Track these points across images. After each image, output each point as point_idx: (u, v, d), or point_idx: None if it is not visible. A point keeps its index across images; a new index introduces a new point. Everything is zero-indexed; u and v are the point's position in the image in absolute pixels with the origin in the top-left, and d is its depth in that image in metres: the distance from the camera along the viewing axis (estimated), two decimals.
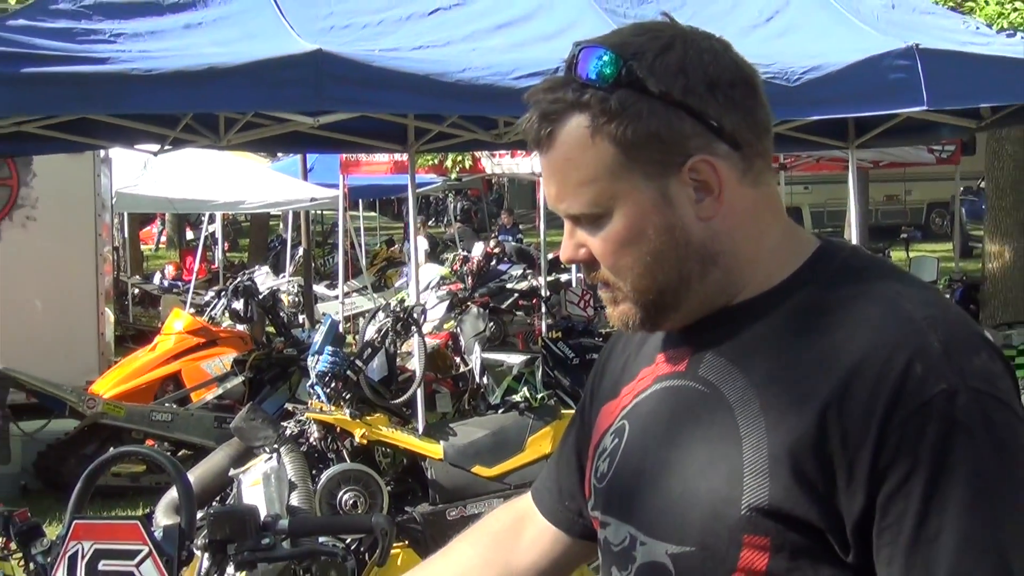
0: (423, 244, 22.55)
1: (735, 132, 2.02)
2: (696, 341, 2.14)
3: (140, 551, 3.20)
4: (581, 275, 17.80)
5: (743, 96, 2.04)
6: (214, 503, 4.51)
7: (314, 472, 8.15)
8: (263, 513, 3.34)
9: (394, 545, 7.39)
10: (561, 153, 2.05)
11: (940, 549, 1.86)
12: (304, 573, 7.78)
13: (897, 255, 17.52)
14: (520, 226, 27.56)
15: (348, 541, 7.53)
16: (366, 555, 7.52)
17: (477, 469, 8.26)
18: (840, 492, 1.90)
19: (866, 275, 2.07)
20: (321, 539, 3.56)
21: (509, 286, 16.26)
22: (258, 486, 7.95)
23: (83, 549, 3.25)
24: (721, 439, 2.01)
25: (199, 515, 3.32)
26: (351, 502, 8.02)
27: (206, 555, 3.28)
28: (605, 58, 1.98)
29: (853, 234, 13.25)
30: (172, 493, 6.25)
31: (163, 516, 6.94)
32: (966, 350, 1.93)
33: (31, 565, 3.42)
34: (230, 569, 3.36)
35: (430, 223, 35.73)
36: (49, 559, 3.30)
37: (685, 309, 2.12)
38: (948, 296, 13.38)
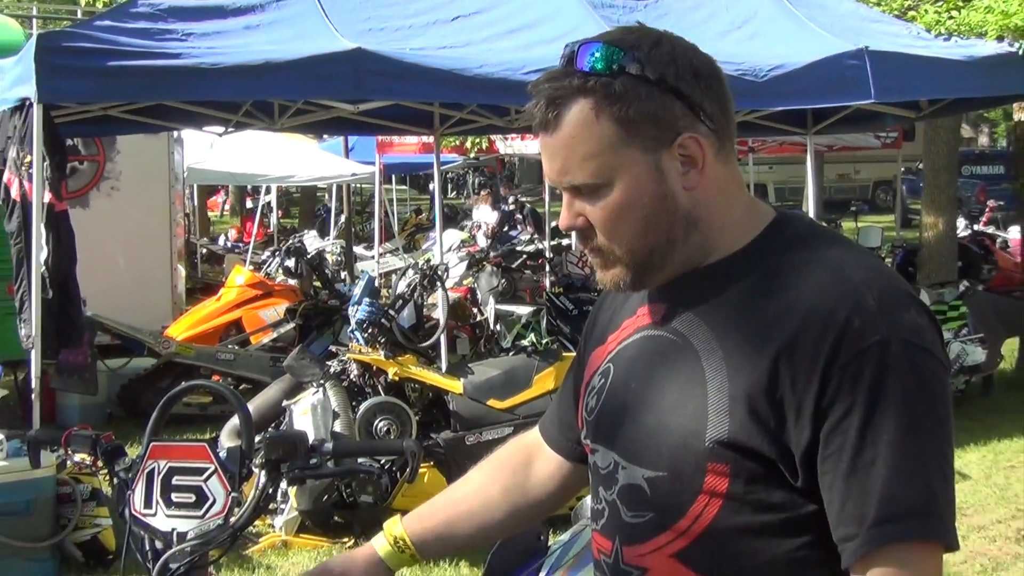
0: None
1: (714, 115, 2.08)
2: (672, 298, 2.18)
3: (207, 469, 3.20)
4: None
5: (717, 86, 2.09)
6: (269, 429, 4.56)
7: (354, 404, 8.18)
8: (311, 438, 3.34)
9: (421, 466, 7.42)
10: (567, 132, 2.06)
11: (874, 474, 1.91)
12: (345, 488, 7.82)
13: (847, 225, 17.52)
14: (524, 198, 27.48)
15: (382, 462, 7.56)
16: (397, 474, 7.55)
17: (491, 402, 8.29)
18: (789, 428, 1.96)
19: (814, 242, 2.11)
20: (359, 460, 3.57)
21: (519, 248, 16.27)
22: (306, 415, 7.98)
23: (159, 467, 3.26)
24: (689, 382, 2.07)
25: (257, 439, 3.32)
26: (385, 429, 8.05)
27: (263, 473, 3.28)
28: (606, 50, 2.02)
29: (811, 207, 13.31)
30: (234, 420, 6.27)
31: (226, 440, 6.98)
32: (898, 307, 1.99)
33: (115, 480, 3.42)
34: (283, 484, 3.37)
35: (451, 195, 35.73)
36: (130, 475, 3.30)
37: (668, 269, 2.15)
38: (890, 260, 13.40)
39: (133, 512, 3.27)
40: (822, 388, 1.94)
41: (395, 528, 2.68)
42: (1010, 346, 13.36)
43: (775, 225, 2.15)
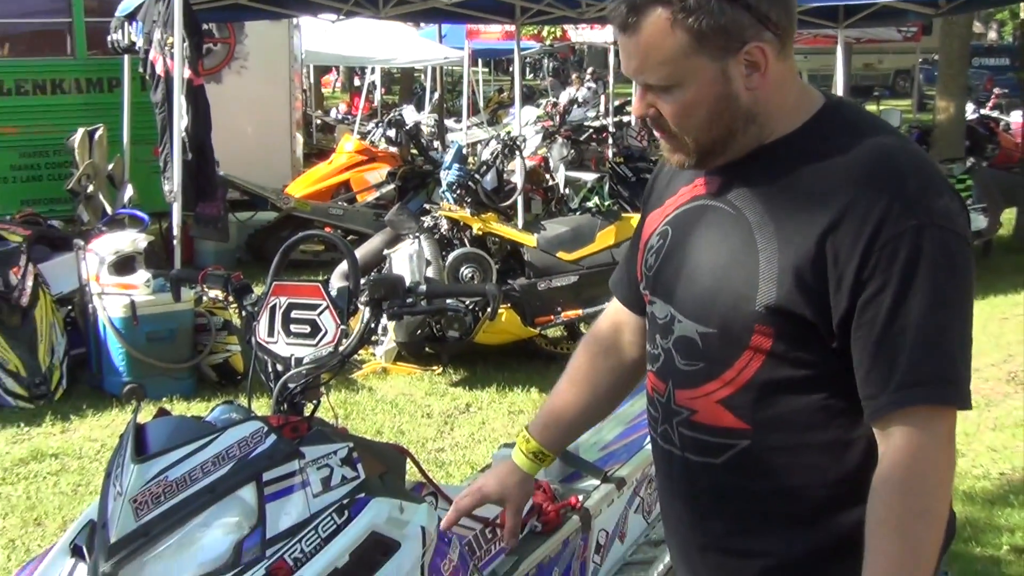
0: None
1: (779, 22, 2.02)
2: (728, 173, 2.15)
3: (320, 305, 3.23)
4: None
5: None
6: (373, 273, 4.58)
7: (443, 253, 8.21)
8: (407, 281, 3.36)
9: (500, 307, 7.47)
10: (644, 37, 2.01)
11: (901, 343, 1.92)
12: (435, 324, 7.88)
13: (870, 107, 17.26)
14: (590, 83, 27.27)
15: (467, 303, 7.60)
16: (479, 313, 7.59)
17: (560, 254, 8.30)
18: (831, 296, 1.96)
19: (862, 127, 2.07)
20: (448, 300, 3.58)
21: (586, 123, 16.17)
22: (404, 262, 8.03)
23: (280, 303, 3.29)
24: (742, 250, 2.06)
25: (362, 281, 3.34)
26: (470, 275, 8.08)
27: (367, 309, 3.30)
28: None
29: (839, 92, 13.05)
30: (343, 265, 6.31)
31: (336, 281, 7.01)
32: (935, 193, 1.96)
33: (243, 313, 3.45)
34: (384, 319, 3.39)
35: (529, 77, 35.48)
36: (256, 309, 3.34)
37: (729, 154, 2.13)
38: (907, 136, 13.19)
39: (258, 340, 3.31)
40: (862, 263, 1.93)
41: (528, 444, 2.64)
42: (1008, 215, 13.26)
43: (825, 110, 2.10)
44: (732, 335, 2.09)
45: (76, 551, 2.91)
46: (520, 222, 9.03)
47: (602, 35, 19.98)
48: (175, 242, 9.52)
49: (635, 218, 8.56)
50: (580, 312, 8.28)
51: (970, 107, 17.37)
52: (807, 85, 2.17)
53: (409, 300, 3.35)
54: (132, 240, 7.78)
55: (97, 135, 9.77)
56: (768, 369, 2.07)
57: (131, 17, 10.20)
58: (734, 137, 2.09)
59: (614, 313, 2.61)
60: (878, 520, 1.97)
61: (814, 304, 1.98)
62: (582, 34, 22.33)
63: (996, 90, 24.30)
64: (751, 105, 2.06)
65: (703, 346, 2.15)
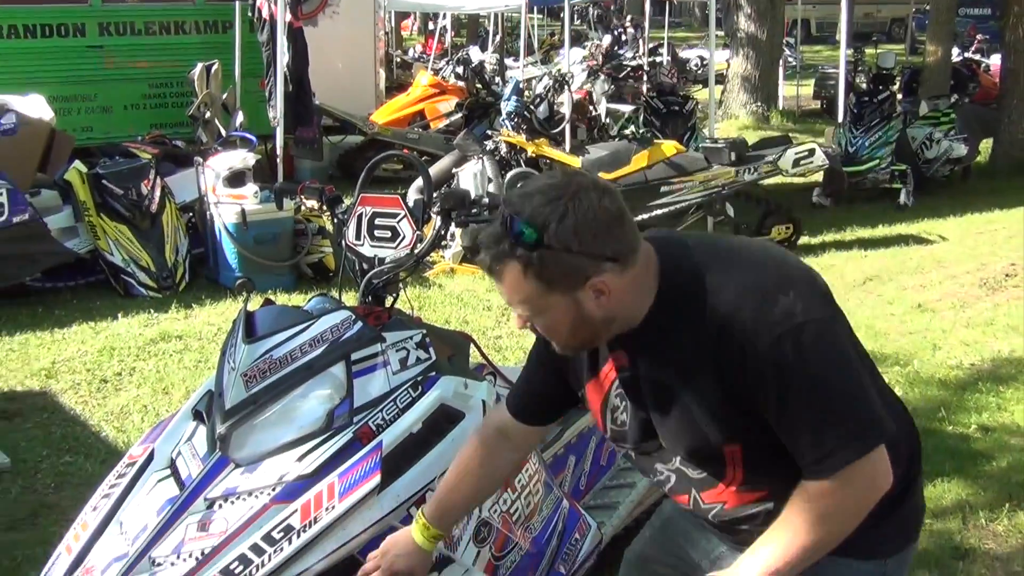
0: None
1: (615, 254, 1.99)
2: (628, 350, 2.17)
3: (399, 214, 3.24)
4: (669, 56, 17.30)
5: (617, 228, 1.99)
6: (443, 188, 4.55)
7: (503, 172, 8.17)
8: (473, 194, 3.35)
9: None
10: (507, 283, 2.03)
11: (802, 430, 2.00)
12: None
13: (870, 51, 16.93)
14: (630, 28, 26.83)
15: None
16: None
17: (601, 174, 8.21)
18: (749, 409, 2.03)
19: (696, 280, 2.05)
20: None
21: (624, 63, 15.98)
22: (469, 178, 8.01)
23: (365, 212, 3.30)
24: (680, 410, 2.11)
25: (434, 194, 3.34)
26: None
27: (438, 218, 3.30)
28: (526, 230, 1.94)
29: (843, 38, 12.79)
30: (418, 181, 6.29)
31: (413, 194, 7.02)
32: (767, 306, 1.98)
33: (335, 220, 3.47)
34: (452, 227, 3.39)
35: (576, 23, 35.04)
36: (345, 216, 3.35)
37: (602, 342, 2.17)
38: (900, 78, 12.94)
39: (347, 243, 3.32)
40: (747, 389, 2.00)
41: (428, 531, 2.51)
42: (985, 145, 13.00)
43: (664, 279, 2.08)
44: (712, 457, 2.15)
45: (197, 415, 2.96)
46: (567, 146, 8.96)
47: None
48: (278, 160, 9.55)
49: (665, 144, 8.57)
50: None
51: (955, 51, 17.07)
52: (647, 263, 2.08)
53: (474, 210, 3.35)
54: (242, 158, 7.81)
55: (213, 69, 9.76)
56: (753, 454, 2.12)
57: None
58: (598, 337, 2.13)
59: (501, 422, 2.53)
60: (781, 526, 2.06)
61: (748, 417, 2.04)
62: None
63: (979, 36, 24.10)
64: (606, 315, 2.05)
65: (697, 462, 2.20)
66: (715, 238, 2.30)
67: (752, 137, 10.71)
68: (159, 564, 2.54)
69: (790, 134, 11.52)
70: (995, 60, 18.03)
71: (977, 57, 19.92)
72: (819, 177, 9.97)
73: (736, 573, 2.08)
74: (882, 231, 9.66)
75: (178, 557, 2.55)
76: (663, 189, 8.29)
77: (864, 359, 2.13)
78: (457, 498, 2.53)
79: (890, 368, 6.04)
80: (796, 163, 8.70)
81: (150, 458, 2.89)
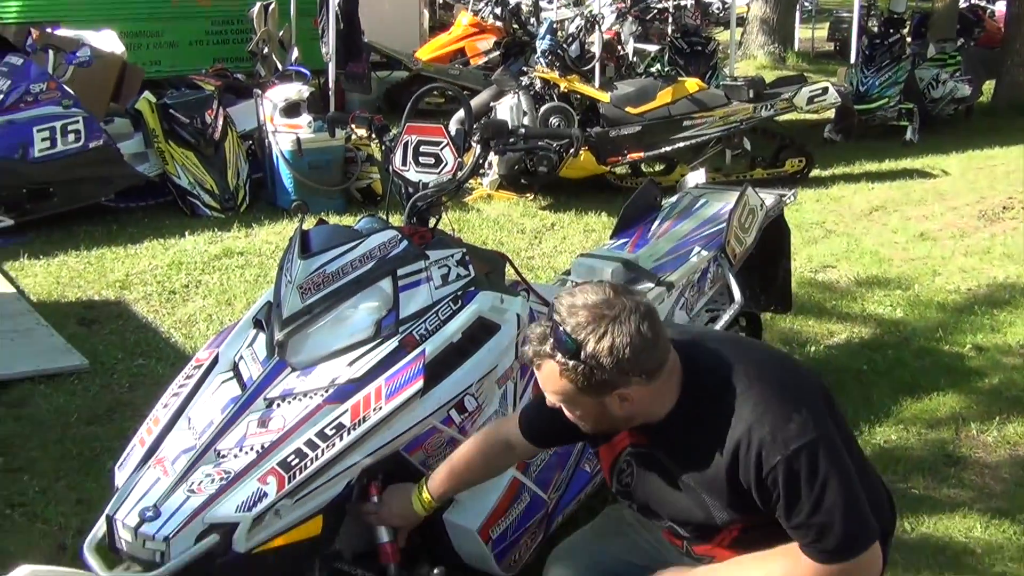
0: None
1: (642, 371, 2.06)
2: (647, 432, 2.23)
3: (442, 142, 3.21)
4: (693, 0, 17.05)
5: (648, 352, 2.05)
6: (482, 119, 4.49)
7: (537, 106, 8.09)
8: (510, 125, 3.33)
9: (580, 148, 7.41)
10: (543, 375, 2.13)
11: (803, 530, 2.08)
12: (528, 161, 7.81)
13: None
14: None
15: (555, 144, 7.50)
16: (564, 153, 7.49)
17: (628, 109, 8.12)
18: (756, 506, 2.13)
19: (716, 393, 2.11)
20: (540, 141, 3.55)
21: (651, 5, 15.68)
22: (506, 111, 7.94)
23: (411, 140, 3.28)
24: (689, 496, 2.21)
25: (474, 125, 3.31)
26: (557, 124, 7.97)
27: (478, 146, 3.28)
28: (567, 341, 2.02)
29: None
30: (460, 112, 6.23)
31: (454, 125, 6.97)
32: (782, 424, 2.04)
33: (383, 147, 3.45)
34: (490, 155, 3.37)
35: None
36: (392, 144, 3.33)
37: (623, 431, 2.27)
38: (910, 22, 12.69)
39: (394, 168, 3.31)
40: (760, 489, 2.07)
41: (429, 502, 2.66)
42: (988, 86, 12.74)
43: (686, 385, 2.15)
44: (711, 532, 2.25)
45: (257, 324, 2.98)
46: (597, 83, 8.84)
47: None
48: (330, 93, 9.50)
49: (688, 81, 8.44)
50: (642, 155, 8.16)
51: None
52: (671, 371, 2.15)
53: (511, 140, 3.32)
54: (297, 90, 7.76)
55: (271, 8, 9.67)
56: (750, 531, 2.21)
57: None
58: (618, 429, 2.23)
59: (509, 435, 2.59)
60: (765, 559, 2.17)
61: (753, 510, 2.13)
62: None
63: None
64: (627, 415, 2.13)
65: (691, 531, 2.30)
66: (738, 346, 2.32)
67: (769, 76, 10.53)
68: (223, 456, 2.58)
69: (805, 74, 11.35)
70: (1000, 7, 17.65)
71: (983, 3, 19.42)
72: (831, 114, 9.84)
73: (694, 573, 2.26)
74: (889, 165, 9.54)
75: (240, 450, 2.58)
76: (685, 123, 8.20)
77: (852, 444, 2.22)
78: (457, 484, 2.67)
79: (892, 292, 6.00)
80: (810, 100, 8.61)
81: (215, 362, 2.92)
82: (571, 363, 2.03)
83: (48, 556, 3.26)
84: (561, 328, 2.03)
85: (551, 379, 2.10)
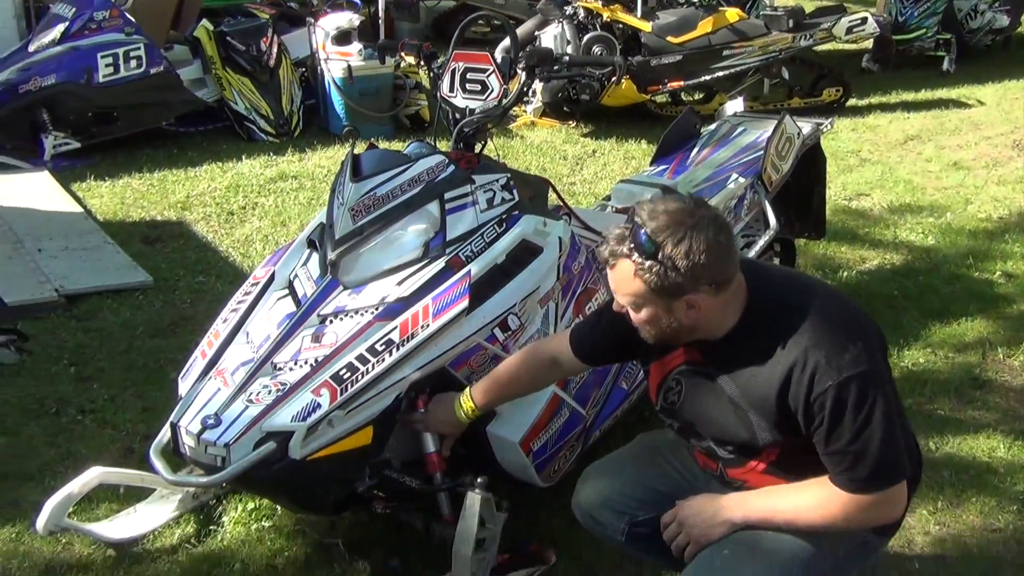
0: None
1: (712, 281, 2.05)
2: (703, 350, 2.22)
3: (488, 69, 3.17)
4: None
5: (721, 261, 2.05)
6: (527, 47, 4.41)
7: (580, 35, 7.96)
8: (554, 53, 3.28)
9: (623, 77, 7.29)
10: (617, 275, 2.12)
11: (838, 457, 2.07)
12: (572, 89, 7.69)
13: None
14: None
15: (598, 73, 7.38)
16: (606, 81, 7.38)
17: (669, 38, 7.96)
18: (798, 429, 2.10)
19: (778, 319, 2.10)
20: (583, 69, 3.49)
21: None
22: (550, 40, 7.82)
23: (458, 67, 3.24)
24: (735, 414, 2.17)
25: (519, 53, 3.27)
26: (599, 52, 7.84)
27: (523, 73, 3.24)
28: (649, 242, 2.02)
29: None
30: (506, 41, 6.15)
31: (500, 53, 6.89)
32: (839, 352, 2.03)
33: (431, 74, 3.42)
34: (535, 83, 3.32)
35: None
36: (440, 71, 3.29)
37: (682, 343, 2.23)
38: None
39: (442, 95, 3.28)
40: (806, 412, 2.05)
41: (473, 410, 2.66)
42: None
43: (749, 306, 2.13)
44: (750, 451, 2.22)
45: (311, 244, 2.99)
46: (639, 12, 8.65)
47: None
48: (380, 21, 9.39)
49: (728, 11, 8.24)
50: (682, 83, 8.02)
51: None
52: (738, 290, 2.13)
53: (555, 67, 3.27)
54: (349, 19, 7.69)
55: None
56: (787, 456, 2.19)
57: None
58: (679, 339, 2.18)
59: (557, 351, 2.58)
60: (795, 489, 2.18)
61: (794, 433, 2.10)
62: None
63: None
64: (691, 323, 2.12)
65: (734, 450, 2.25)
66: (803, 278, 2.34)
67: (809, 6, 10.28)
68: (279, 368, 2.61)
69: (844, 4, 11.04)
70: None
71: None
72: (869, 44, 9.59)
73: (723, 501, 2.23)
74: (925, 95, 9.31)
75: (295, 363, 2.61)
76: (725, 53, 8.04)
77: (897, 400, 2.18)
78: (500, 395, 2.68)
79: (924, 219, 5.90)
80: (849, 30, 8.40)
81: (271, 279, 2.94)
82: (647, 263, 2.02)
83: (117, 459, 3.34)
84: (642, 229, 2.02)
85: (625, 279, 2.09)
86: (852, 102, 8.83)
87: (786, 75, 8.44)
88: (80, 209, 5.77)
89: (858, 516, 2.10)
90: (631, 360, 2.55)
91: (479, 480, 2.63)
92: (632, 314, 2.16)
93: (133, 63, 6.94)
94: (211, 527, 3.05)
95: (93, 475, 2.97)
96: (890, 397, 2.06)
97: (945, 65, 10.25)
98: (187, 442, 2.54)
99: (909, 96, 9.25)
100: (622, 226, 2.09)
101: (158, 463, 2.61)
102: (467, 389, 2.67)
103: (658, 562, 2.40)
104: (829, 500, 2.10)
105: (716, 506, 2.24)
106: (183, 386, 2.73)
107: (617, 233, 2.09)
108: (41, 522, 2.86)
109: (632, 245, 2.04)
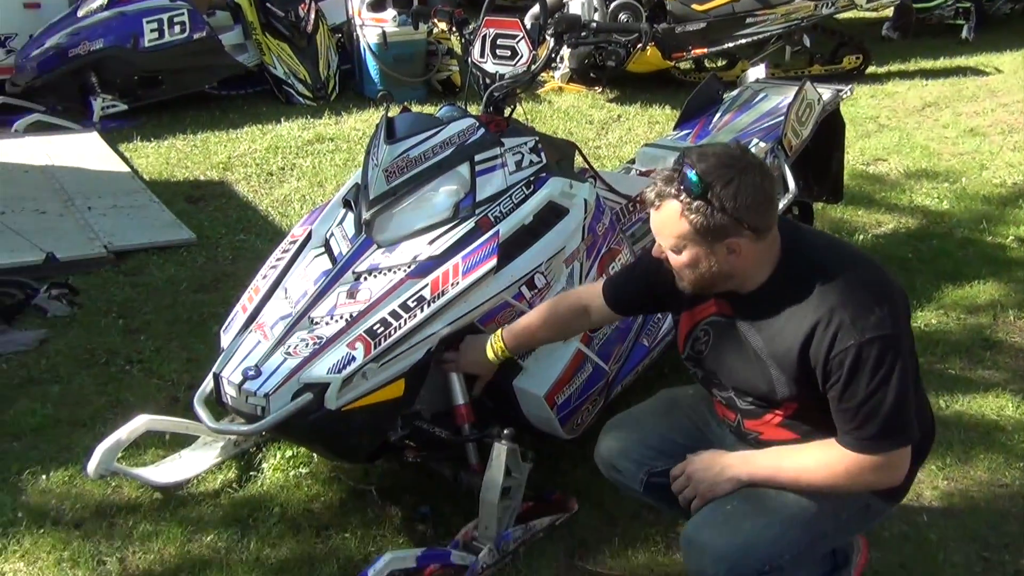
0: None
1: (756, 225, 2.03)
2: (730, 306, 2.20)
3: (518, 35, 3.14)
4: None
5: (764, 207, 2.03)
6: (556, 14, 4.34)
7: (607, 2, 7.86)
8: (582, 20, 3.24)
9: (649, 43, 7.17)
10: (662, 216, 2.08)
11: (849, 413, 2.05)
12: (597, 54, 7.61)
13: None
14: None
15: (624, 40, 7.29)
16: (631, 48, 7.28)
17: (694, 6, 7.84)
18: (816, 386, 2.08)
19: (809, 273, 2.07)
20: (609, 36, 3.44)
21: None
22: (578, 7, 7.72)
23: (489, 33, 3.21)
24: (758, 366, 2.15)
25: (548, 20, 3.23)
26: (626, 19, 7.75)
27: (551, 40, 3.21)
28: (699, 182, 1.99)
29: None
30: (535, 8, 6.08)
31: (529, 19, 6.82)
32: (865, 313, 2.00)
33: (462, 40, 3.38)
34: (563, 49, 3.28)
35: None
36: (471, 37, 3.26)
37: (716, 291, 2.18)
38: None
39: (473, 60, 3.25)
40: (825, 368, 2.03)
41: (503, 351, 2.66)
42: None
43: (782, 263, 2.11)
44: (768, 403, 2.20)
45: (346, 204, 2.99)
46: None
47: None
48: None
49: None
50: (706, 50, 7.91)
51: None
52: (773, 242, 2.11)
53: (583, 34, 3.24)
54: None
55: None
56: (802, 411, 2.17)
57: None
58: (715, 286, 2.14)
59: (590, 300, 2.56)
60: (801, 449, 2.17)
61: (813, 388, 2.08)
62: None
63: None
64: (729, 269, 2.08)
65: (753, 401, 2.23)
66: (838, 242, 2.31)
67: None
68: (316, 323, 2.62)
69: None
70: None
71: None
72: (890, 12, 9.42)
73: (730, 458, 2.23)
74: (943, 63, 9.15)
75: (331, 318, 2.62)
76: (748, 20, 7.92)
77: (916, 368, 2.16)
78: (530, 339, 2.66)
79: (940, 184, 5.82)
80: None
81: (308, 238, 2.94)
82: (695, 204, 2.00)
83: (163, 407, 3.38)
84: (692, 170, 2.00)
85: (670, 220, 2.06)
86: (872, 69, 8.70)
87: (807, 42, 8.32)
88: (127, 169, 5.79)
89: (861, 477, 2.08)
90: (661, 311, 2.53)
91: (506, 431, 2.64)
92: (672, 257, 2.12)
93: (177, 28, 6.93)
94: (251, 473, 3.09)
95: (140, 422, 3.00)
96: (908, 364, 2.04)
97: (964, 33, 10.07)
98: (229, 392, 2.56)
99: (928, 64, 9.09)
100: (670, 169, 2.07)
101: (201, 412, 2.63)
102: (498, 331, 2.67)
103: (674, 511, 2.40)
104: (833, 460, 2.09)
105: (723, 463, 2.23)
106: (225, 339, 2.74)
107: (665, 175, 2.06)
108: (92, 466, 2.90)
109: (681, 186, 2.01)
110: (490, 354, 2.66)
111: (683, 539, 2.22)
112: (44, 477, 3.04)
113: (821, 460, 2.11)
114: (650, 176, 2.11)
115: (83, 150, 6.08)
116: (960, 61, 9.21)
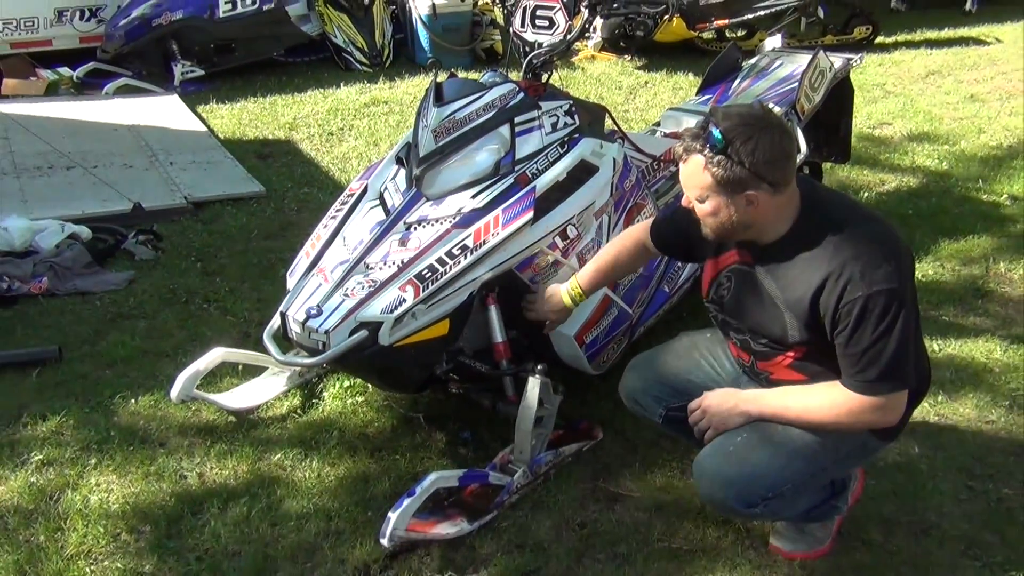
0: None
1: (773, 180, 2.00)
2: (750, 255, 2.18)
3: (555, 7, 3.08)
4: None
5: (782, 163, 2.00)
6: None
7: None
8: None
9: (674, 15, 7.03)
10: (688, 168, 2.06)
11: (854, 358, 2.03)
12: (628, 26, 7.45)
13: None
14: None
15: (652, 12, 7.12)
16: (658, 19, 7.12)
17: None
18: (825, 332, 2.06)
19: (826, 227, 2.04)
20: (639, 8, 3.37)
21: None
22: None
23: (529, 4, 3.16)
24: (773, 311, 2.13)
25: None
26: None
27: (586, 11, 3.15)
28: (721, 138, 1.97)
29: None
30: None
31: None
32: (874, 268, 1.97)
33: (504, 11, 3.33)
34: (597, 20, 3.21)
35: None
36: (513, 8, 3.20)
37: (736, 240, 2.17)
38: None
39: (514, 30, 3.20)
40: (834, 316, 2.01)
41: (579, 295, 2.67)
42: None
43: (800, 218, 2.08)
44: (780, 345, 2.17)
45: (399, 161, 2.97)
46: None
47: None
48: None
49: None
50: (727, 21, 7.72)
51: None
52: (792, 195, 2.07)
53: (614, 6, 3.17)
54: None
55: None
56: (811, 354, 2.14)
57: None
58: (735, 234, 2.12)
59: (646, 239, 2.55)
60: (807, 389, 2.15)
61: (821, 333, 2.06)
62: None
63: None
64: (747, 219, 2.06)
65: (766, 342, 2.20)
66: (853, 203, 2.24)
67: None
68: (371, 268, 2.62)
69: None
70: None
71: None
72: None
73: (742, 395, 2.21)
74: (947, 33, 8.88)
75: (385, 264, 2.62)
76: None
77: (917, 322, 2.12)
78: (604, 278, 2.68)
79: (940, 147, 5.68)
80: None
81: (364, 191, 2.93)
82: (717, 158, 1.98)
83: (236, 341, 3.42)
84: (716, 127, 1.98)
85: (695, 172, 2.04)
86: (880, 39, 8.46)
87: (821, 14, 8.10)
88: (204, 128, 5.81)
89: (861, 416, 2.07)
90: (690, 257, 2.51)
91: (539, 367, 2.64)
92: (697, 206, 2.10)
93: (248, 0, 6.90)
94: (313, 400, 3.12)
95: (216, 354, 3.04)
96: (910, 317, 2.01)
97: (968, 5, 9.77)
98: (294, 328, 2.58)
99: (933, 34, 8.83)
100: (698, 126, 2.05)
101: (270, 345, 2.66)
102: (573, 278, 2.68)
103: (689, 441, 2.40)
104: (837, 400, 2.07)
105: (736, 399, 2.23)
106: (290, 281, 2.76)
107: (693, 131, 2.05)
108: (174, 392, 2.95)
109: (705, 142, 2.00)
110: (567, 300, 2.68)
111: (695, 466, 2.22)
112: (133, 401, 3.09)
113: (826, 400, 2.09)
114: (674, 137, 2.07)
115: (165, 111, 6.10)
116: (963, 32, 8.94)
